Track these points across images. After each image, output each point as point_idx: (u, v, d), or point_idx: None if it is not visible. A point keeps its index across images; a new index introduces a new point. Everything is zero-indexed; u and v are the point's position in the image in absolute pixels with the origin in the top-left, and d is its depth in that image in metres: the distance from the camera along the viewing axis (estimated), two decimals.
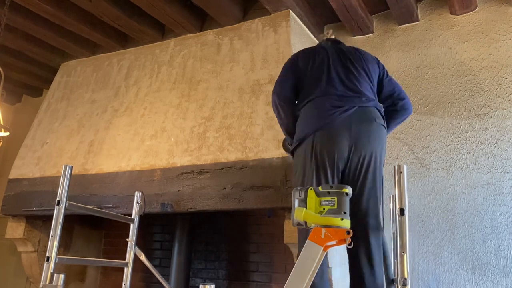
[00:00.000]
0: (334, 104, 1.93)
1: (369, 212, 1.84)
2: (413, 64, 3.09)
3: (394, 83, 2.18)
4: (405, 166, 1.48)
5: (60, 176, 2.02)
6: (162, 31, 3.63)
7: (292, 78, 2.11)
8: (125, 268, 2.53)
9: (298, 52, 2.21)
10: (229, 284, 3.31)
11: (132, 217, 2.61)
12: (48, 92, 4.03)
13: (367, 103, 1.94)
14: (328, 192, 1.38)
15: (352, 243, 1.38)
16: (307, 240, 1.36)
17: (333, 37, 2.29)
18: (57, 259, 1.91)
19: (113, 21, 3.41)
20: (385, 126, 2.00)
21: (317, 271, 1.50)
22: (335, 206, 1.35)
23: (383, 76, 2.15)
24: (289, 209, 2.33)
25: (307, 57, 2.13)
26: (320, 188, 1.40)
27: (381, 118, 1.98)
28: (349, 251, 1.85)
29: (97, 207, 2.74)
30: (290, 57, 2.22)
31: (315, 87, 2.02)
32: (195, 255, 3.50)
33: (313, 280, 1.35)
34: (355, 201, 1.82)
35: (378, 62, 2.19)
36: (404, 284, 1.34)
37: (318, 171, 1.87)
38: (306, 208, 1.39)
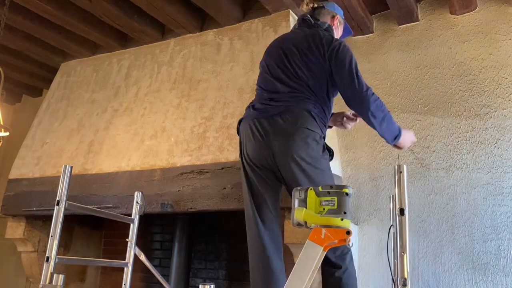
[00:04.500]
0: None
1: None
2: (413, 64, 3.09)
3: None
4: (405, 166, 1.47)
5: (60, 176, 2.02)
6: (162, 31, 3.63)
7: None
8: (125, 268, 2.53)
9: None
10: (229, 284, 3.31)
11: (132, 217, 2.61)
12: (48, 92, 4.03)
13: None
14: (328, 192, 1.38)
15: (352, 243, 1.38)
16: (307, 240, 1.36)
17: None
18: (57, 259, 1.91)
19: (113, 21, 3.41)
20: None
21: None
22: (335, 206, 1.35)
23: None
24: (289, 209, 2.33)
25: None
26: (320, 188, 1.40)
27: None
28: None
29: (97, 207, 2.74)
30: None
31: None
32: (195, 255, 3.50)
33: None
34: None
35: None
36: (404, 284, 1.34)
37: None
38: (306, 208, 1.39)
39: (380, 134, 1.98)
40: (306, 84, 1.94)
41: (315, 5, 2.17)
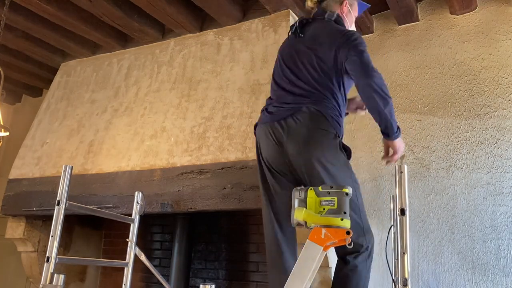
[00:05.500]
0: None
1: None
2: (413, 64, 3.09)
3: None
4: (406, 166, 1.48)
5: (60, 176, 2.02)
6: (162, 31, 3.63)
7: None
8: (125, 268, 2.53)
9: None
10: (229, 284, 3.31)
11: (132, 217, 2.61)
12: (48, 92, 4.03)
13: None
14: (328, 192, 1.38)
15: (352, 243, 1.38)
16: (307, 240, 1.36)
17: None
18: (57, 259, 1.91)
19: (113, 21, 3.41)
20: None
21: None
22: (335, 206, 1.35)
23: None
24: None
25: None
26: (320, 188, 1.40)
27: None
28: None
29: (97, 207, 2.74)
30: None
31: None
32: (195, 255, 3.50)
33: None
34: None
35: None
36: (405, 284, 1.34)
37: None
38: (306, 208, 1.39)
39: (384, 119, 1.86)
40: (317, 83, 1.90)
41: None
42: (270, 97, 2.09)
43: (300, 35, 2.02)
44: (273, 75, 2.12)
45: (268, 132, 1.93)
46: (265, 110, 2.05)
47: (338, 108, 1.93)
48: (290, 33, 2.12)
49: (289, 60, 2.02)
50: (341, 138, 1.93)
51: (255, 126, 2.08)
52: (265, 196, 2.00)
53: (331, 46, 1.90)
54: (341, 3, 2.07)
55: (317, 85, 1.90)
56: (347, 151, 1.93)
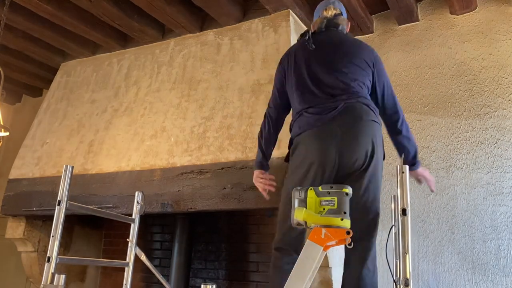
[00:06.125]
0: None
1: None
2: (413, 64, 3.09)
3: None
4: (407, 167, 1.48)
5: (60, 176, 2.02)
6: (162, 31, 3.63)
7: None
8: (126, 268, 2.53)
9: None
10: (229, 284, 3.31)
11: (133, 217, 2.62)
12: (48, 92, 4.03)
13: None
14: (328, 192, 1.38)
15: (352, 243, 1.38)
16: (307, 240, 1.36)
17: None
18: (58, 259, 1.91)
19: (113, 21, 3.41)
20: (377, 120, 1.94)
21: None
22: (335, 206, 1.36)
23: None
24: None
25: None
26: (320, 188, 1.40)
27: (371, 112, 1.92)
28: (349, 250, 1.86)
29: (97, 207, 2.74)
30: None
31: None
32: (195, 255, 3.50)
33: None
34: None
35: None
36: (406, 285, 1.34)
37: None
38: (306, 208, 1.39)
39: (406, 145, 2.03)
40: (354, 80, 1.94)
41: (337, 12, 2.18)
42: (305, 100, 1.97)
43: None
44: (303, 76, 2.02)
45: (324, 130, 1.88)
46: (303, 113, 1.94)
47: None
48: (305, 39, 2.09)
49: (321, 59, 2.01)
50: None
51: (296, 135, 1.95)
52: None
53: (366, 57, 2.02)
54: (347, 24, 2.20)
55: (354, 82, 1.96)
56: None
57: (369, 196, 1.84)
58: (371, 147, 1.83)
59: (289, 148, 2.02)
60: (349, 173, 1.84)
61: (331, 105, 1.87)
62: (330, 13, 2.18)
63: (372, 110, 1.90)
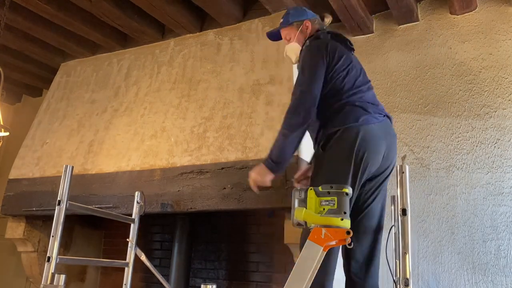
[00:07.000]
0: None
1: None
2: (413, 64, 3.09)
3: None
4: (407, 167, 1.48)
5: (60, 176, 2.02)
6: (162, 31, 3.64)
7: None
8: (126, 268, 2.53)
9: None
10: (229, 284, 3.31)
11: (133, 217, 2.61)
12: (48, 92, 4.03)
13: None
14: (328, 192, 1.38)
15: (352, 243, 1.38)
16: (307, 240, 1.36)
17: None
18: (58, 259, 1.91)
19: (113, 21, 3.41)
20: None
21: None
22: (335, 206, 1.36)
23: None
24: (289, 209, 2.33)
25: None
26: (320, 188, 1.40)
27: None
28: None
29: (97, 207, 2.74)
30: None
31: None
32: (195, 255, 3.50)
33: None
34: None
35: None
36: (407, 284, 1.34)
37: None
38: (306, 208, 1.39)
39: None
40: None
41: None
42: (360, 92, 1.91)
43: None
44: (355, 73, 1.98)
45: (384, 129, 1.92)
46: (361, 107, 1.86)
47: None
48: (346, 39, 2.12)
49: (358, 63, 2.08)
50: None
51: (360, 127, 1.81)
52: None
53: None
54: None
55: None
56: None
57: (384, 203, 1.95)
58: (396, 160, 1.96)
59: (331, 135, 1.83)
60: (375, 175, 1.88)
61: (381, 107, 1.96)
62: (327, 21, 2.27)
63: None
